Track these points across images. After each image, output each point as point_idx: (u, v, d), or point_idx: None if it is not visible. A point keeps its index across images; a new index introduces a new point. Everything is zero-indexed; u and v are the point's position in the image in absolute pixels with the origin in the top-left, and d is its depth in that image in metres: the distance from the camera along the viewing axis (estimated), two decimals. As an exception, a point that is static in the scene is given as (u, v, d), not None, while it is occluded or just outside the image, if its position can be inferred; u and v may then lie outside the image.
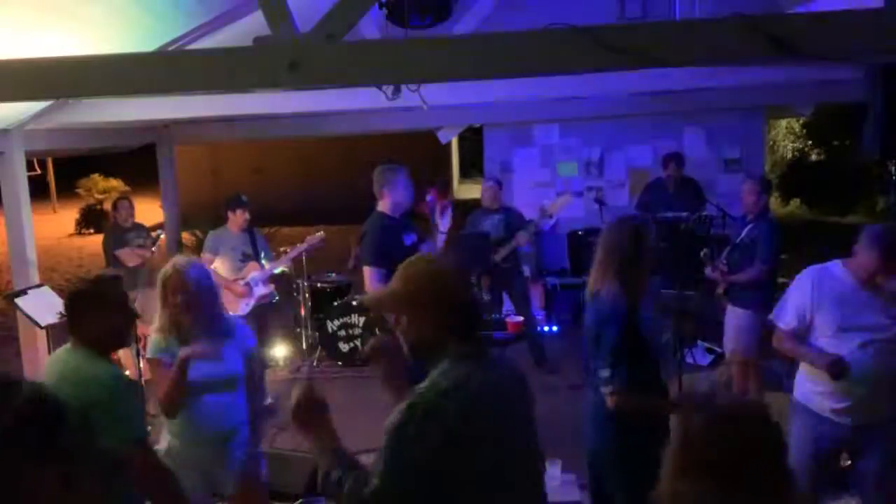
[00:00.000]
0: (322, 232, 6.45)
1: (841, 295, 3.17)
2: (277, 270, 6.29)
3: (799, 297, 3.27)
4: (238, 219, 6.03)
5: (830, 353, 3.15)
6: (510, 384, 2.00)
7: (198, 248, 11.06)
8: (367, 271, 4.35)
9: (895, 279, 3.14)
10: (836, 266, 3.27)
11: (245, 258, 6.03)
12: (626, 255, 2.90)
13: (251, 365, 3.22)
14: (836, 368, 3.10)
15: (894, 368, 3.15)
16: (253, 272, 6.01)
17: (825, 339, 3.20)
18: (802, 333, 3.28)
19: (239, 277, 5.96)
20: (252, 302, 5.97)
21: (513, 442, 1.93)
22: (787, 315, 3.33)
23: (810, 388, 3.29)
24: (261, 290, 6.03)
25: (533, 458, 2.06)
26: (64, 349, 2.60)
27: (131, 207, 6.83)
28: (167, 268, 3.08)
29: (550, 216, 6.65)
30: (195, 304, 3.02)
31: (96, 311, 2.53)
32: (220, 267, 5.98)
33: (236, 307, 5.94)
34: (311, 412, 1.96)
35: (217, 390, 3.07)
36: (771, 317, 3.44)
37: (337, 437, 1.97)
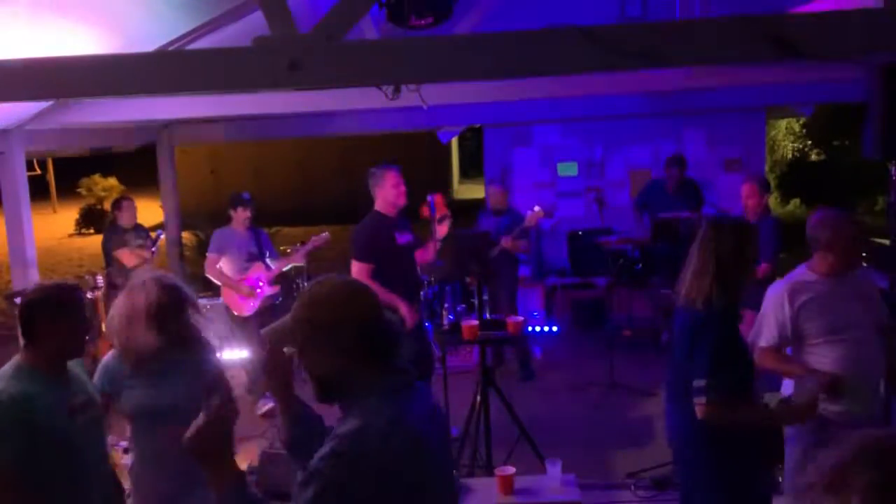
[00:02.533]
0: (327, 233, 6.45)
1: (820, 298, 3.14)
2: (285, 269, 6.28)
3: (777, 313, 3.20)
4: (241, 217, 6.01)
5: (821, 372, 3.07)
6: (439, 418, 1.82)
7: (199, 248, 11.06)
8: (354, 266, 4.51)
9: (861, 266, 3.15)
10: (803, 271, 3.25)
11: (251, 258, 6.00)
12: (727, 259, 2.70)
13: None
14: (834, 388, 3.01)
15: (879, 359, 3.18)
16: (258, 272, 6.00)
17: (815, 346, 3.16)
18: (784, 346, 3.23)
19: (244, 278, 5.94)
20: (258, 303, 5.96)
21: (444, 484, 1.78)
22: (766, 332, 3.25)
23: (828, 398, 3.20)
24: (266, 291, 6.02)
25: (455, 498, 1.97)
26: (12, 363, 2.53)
27: (133, 208, 6.81)
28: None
29: (525, 233, 6.60)
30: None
31: (49, 322, 2.46)
32: (225, 267, 5.96)
33: (242, 308, 5.93)
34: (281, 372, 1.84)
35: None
36: (749, 339, 3.30)
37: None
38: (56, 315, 2.46)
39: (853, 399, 3.14)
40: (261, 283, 6.01)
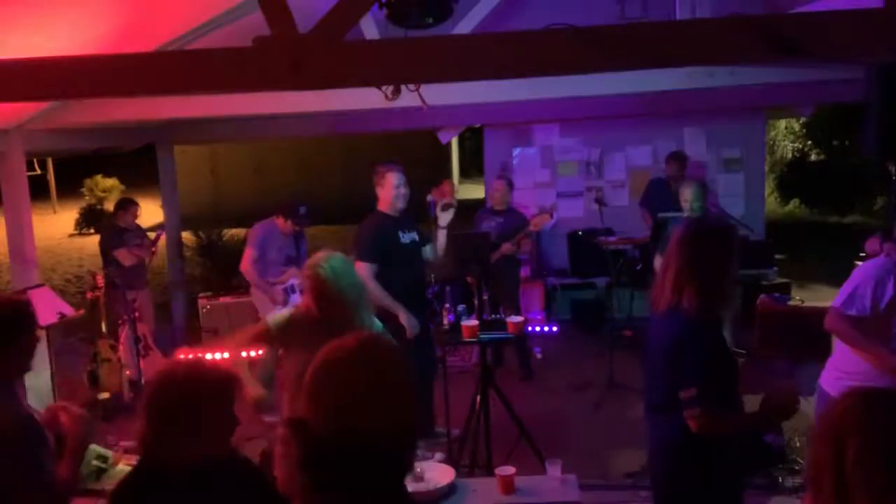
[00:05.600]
0: (351, 258, 6.31)
1: None
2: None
3: (878, 287, 3.13)
4: (287, 226, 5.82)
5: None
6: None
7: (199, 248, 11.05)
8: (358, 266, 4.50)
9: None
10: None
11: (288, 262, 5.79)
12: (709, 264, 2.58)
13: None
14: None
15: None
16: (292, 278, 5.74)
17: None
18: (866, 320, 3.18)
19: (278, 281, 5.71)
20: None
21: None
22: (859, 302, 3.18)
23: (858, 382, 3.15)
24: (298, 299, 5.71)
25: None
26: None
27: (137, 212, 6.83)
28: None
29: (529, 235, 6.58)
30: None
31: None
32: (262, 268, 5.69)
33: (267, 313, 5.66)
34: None
35: None
36: (837, 304, 3.27)
37: None
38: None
39: None
40: (295, 289, 5.73)
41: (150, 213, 13.39)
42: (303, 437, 1.23)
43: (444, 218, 4.67)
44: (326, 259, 3.16)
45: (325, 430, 1.23)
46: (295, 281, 5.76)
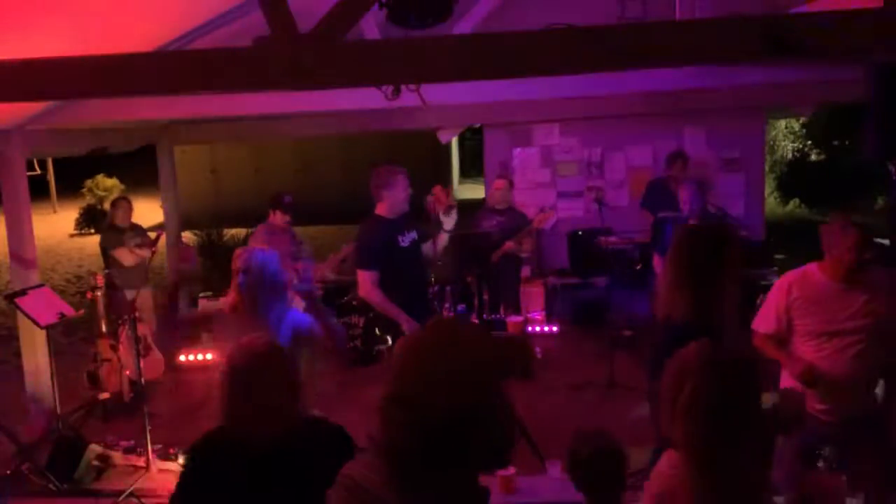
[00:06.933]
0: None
1: (819, 299, 3.17)
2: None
3: (776, 302, 3.28)
4: (278, 220, 5.95)
5: (801, 360, 3.17)
6: None
7: (199, 248, 11.06)
8: (360, 275, 4.44)
9: (873, 271, 3.14)
10: (812, 269, 3.26)
11: (290, 257, 5.80)
12: (702, 271, 2.48)
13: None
14: (806, 377, 3.12)
15: (872, 367, 3.19)
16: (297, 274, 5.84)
17: (806, 342, 3.22)
18: (784, 337, 3.30)
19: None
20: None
21: None
22: (766, 319, 3.34)
23: (795, 386, 3.26)
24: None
25: None
26: None
27: (130, 208, 6.82)
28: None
29: (531, 233, 6.58)
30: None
31: None
32: None
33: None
34: None
35: None
36: (753, 325, 3.42)
37: None
38: None
39: (840, 398, 3.17)
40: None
41: (150, 213, 13.40)
42: (390, 417, 1.36)
43: (449, 222, 4.63)
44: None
45: (409, 410, 1.35)
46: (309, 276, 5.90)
